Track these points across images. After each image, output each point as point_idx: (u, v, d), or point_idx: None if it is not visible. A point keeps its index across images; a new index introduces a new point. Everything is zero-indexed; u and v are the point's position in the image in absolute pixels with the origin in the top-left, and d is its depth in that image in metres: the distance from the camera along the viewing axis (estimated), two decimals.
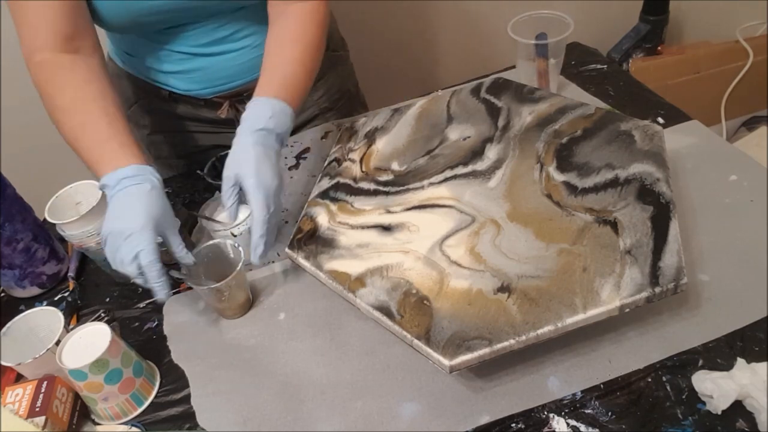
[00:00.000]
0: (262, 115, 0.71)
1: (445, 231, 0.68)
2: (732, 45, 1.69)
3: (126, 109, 0.98)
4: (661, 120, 0.90)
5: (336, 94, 1.05)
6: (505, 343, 0.56)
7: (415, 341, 0.58)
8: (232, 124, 0.92)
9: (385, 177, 0.78)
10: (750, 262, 0.68)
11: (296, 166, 0.97)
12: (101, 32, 0.80)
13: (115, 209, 0.67)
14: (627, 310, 0.57)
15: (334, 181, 0.80)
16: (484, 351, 0.56)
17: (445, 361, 0.56)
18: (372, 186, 0.77)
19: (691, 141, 0.85)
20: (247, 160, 0.68)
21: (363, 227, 0.71)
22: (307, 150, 1.00)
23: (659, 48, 1.74)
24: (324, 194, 0.78)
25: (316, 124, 1.05)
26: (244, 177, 0.68)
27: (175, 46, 0.85)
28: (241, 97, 0.94)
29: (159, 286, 0.65)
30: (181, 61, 0.88)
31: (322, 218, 0.74)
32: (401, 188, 0.76)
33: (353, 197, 0.76)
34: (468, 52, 1.72)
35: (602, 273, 0.59)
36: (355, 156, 0.83)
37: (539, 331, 0.56)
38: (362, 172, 0.80)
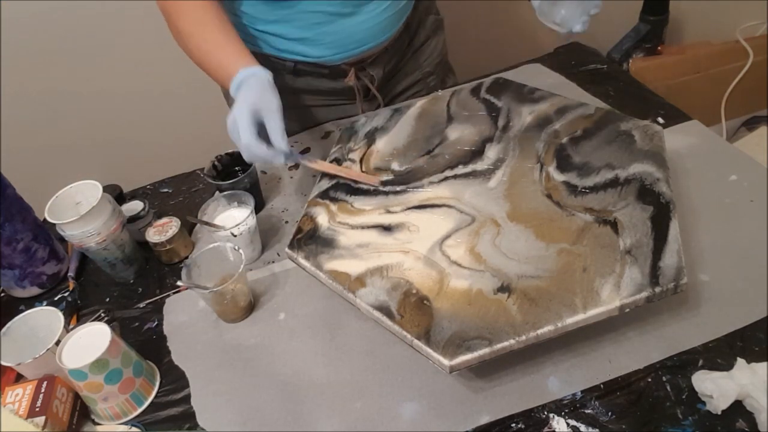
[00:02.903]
0: None
1: (445, 231, 0.68)
2: (732, 45, 1.69)
3: None
4: (661, 120, 0.90)
5: (437, 58, 1.08)
6: (505, 343, 0.56)
7: (415, 341, 0.58)
8: (351, 93, 0.96)
9: (385, 177, 0.78)
10: (750, 262, 0.68)
11: (296, 166, 0.97)
12: None
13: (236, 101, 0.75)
14: (627, 310, 0.57)
15: (334, 181, 0.80)
16: (484, 351, 0.56)
17: (445, 361, 0.56)
18: (372, 186, 0.77)
19: (691, 141, 0.85)
20: None
21: (363, 227, 0.71)
22: (307, 150, 1.00)
23: (659, 48, 1.74)
24: (324, 194, 0.78)
25: (418, 89, 1.07)
26: None
27: (314, 6, 0.86)
28: (363, 63, 0.96)
29: (271, 154, 0.72)
30: (318, 25, 0.89)
31: (322, 218, 0.74)
32: (401, 188, 0.76)
33: (353, 197, 0.76)
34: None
35: (602, 273, 0.59)
36: (355, 156, 0.83)
37: (539, 331, 0.56)
38: (362, 172, 0.80)
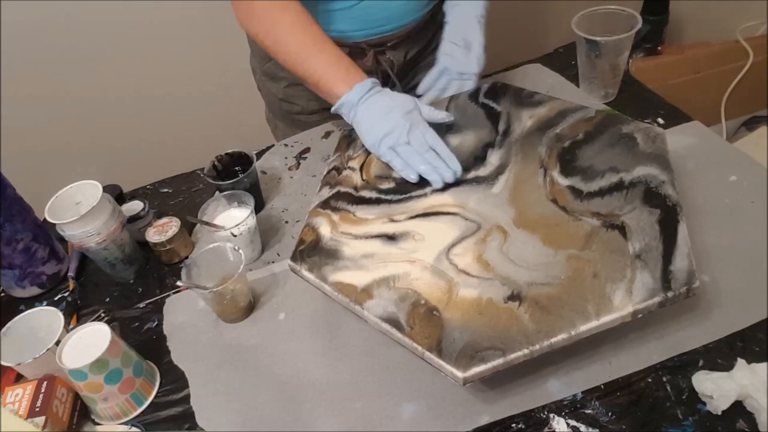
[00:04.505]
0: (481, 5, 0.92)
1: (450, 239, 0.67)
2: (732, 45, 1.69)
3: (264, 63, 1.03)
4: (661, 120, 0.90)
5: None
6: (519, 353, 0.55)
7: (427, 353, 0.57)
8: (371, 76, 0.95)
9: (386, 185, 0.77)
10: (750, 263, 0.68)
11: (296, 166, 0.97)
12: None
13: (373, 113, 0.78)
14: (640, 315, 0.56)
15: (334, 191, 0.78)
16: (497, 362, 0.54)
17: (459, 374, 0.55)
18: (374, 194, 0.76)
19: (691, 141, 0.85)
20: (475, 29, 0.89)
21: (367, 237, 0.70)
22: (307, 150, 1.00)
23: (659, 48, 1.74)
24: (325, 204, 0.76)
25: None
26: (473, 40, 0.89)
27: None
28: (384, 46, 0.96)
29: (454, 160, 0.75)
30: None
31: (324, 229, 0.72)
32: (404, 196, 0.75)
33: (355, 206, 0.75)
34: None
35: (613, 278, 0.59)
36: (355, 164, 0.82)
37: (553, 340, 0.55)
38: (363, 180, 0.79)
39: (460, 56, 0.90)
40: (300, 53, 0.81)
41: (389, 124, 0.77)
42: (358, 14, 0.90)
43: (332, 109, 0.82)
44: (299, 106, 1.05)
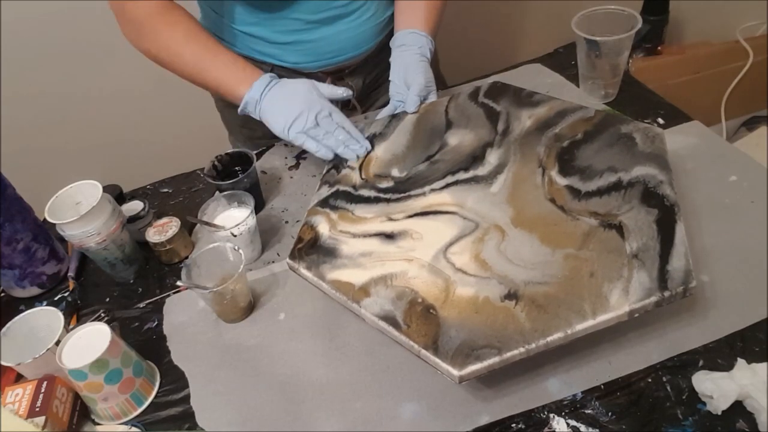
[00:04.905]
0: (425, 45, 0.89)
1: (448, 238, 0.67)
2: (732, 45, 1.70)
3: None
4: (661, 120, 0.90)
5: None
6: (515, 352, 0.55)
7: (423, 351, 0.57)
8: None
9: (385, 184, 0.77)
10: (750, 263, 0.68)
11: (296, 166, 0.97)
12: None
13: (276, 103, 0.81)
14: (636, 315, 0.56)
15: (333, 189, 0.78)
16: (493, 360, 0.55)
17: (455, 372, 0.55)
18: (372, 193, 0.76)
19: (691, 141, 0.85)
20: (418, 70, 0.87)
21: (365, 235, 0.70)
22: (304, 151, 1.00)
23: (659, 48, 1.74)
24: (324, 202, 0.76)
25: None
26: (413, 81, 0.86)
27: (294, 14, 0.87)
28: (341, 73, 0.95)
29: (362, 137, 0.82)
30: (296, 32, 0.89)
31: (323, 227, 0.72)
32: (402, 195, 0.75)
33: (354, 205, 0.75)
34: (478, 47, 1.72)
35: (610, 278, 0.59)
36: (354, 163, 0.82)
37: (549, 339, 0.55)
38: (362, 179, 0.79)
39: (404, 96, 0.89)
40: (196, 63, 0.84)
41: (294, 109, 0.80)
42: (309, 48, 0.90)
43: (239, 110, 0.84)
44: (260, 131, 1.03)
